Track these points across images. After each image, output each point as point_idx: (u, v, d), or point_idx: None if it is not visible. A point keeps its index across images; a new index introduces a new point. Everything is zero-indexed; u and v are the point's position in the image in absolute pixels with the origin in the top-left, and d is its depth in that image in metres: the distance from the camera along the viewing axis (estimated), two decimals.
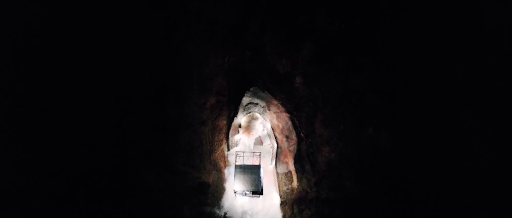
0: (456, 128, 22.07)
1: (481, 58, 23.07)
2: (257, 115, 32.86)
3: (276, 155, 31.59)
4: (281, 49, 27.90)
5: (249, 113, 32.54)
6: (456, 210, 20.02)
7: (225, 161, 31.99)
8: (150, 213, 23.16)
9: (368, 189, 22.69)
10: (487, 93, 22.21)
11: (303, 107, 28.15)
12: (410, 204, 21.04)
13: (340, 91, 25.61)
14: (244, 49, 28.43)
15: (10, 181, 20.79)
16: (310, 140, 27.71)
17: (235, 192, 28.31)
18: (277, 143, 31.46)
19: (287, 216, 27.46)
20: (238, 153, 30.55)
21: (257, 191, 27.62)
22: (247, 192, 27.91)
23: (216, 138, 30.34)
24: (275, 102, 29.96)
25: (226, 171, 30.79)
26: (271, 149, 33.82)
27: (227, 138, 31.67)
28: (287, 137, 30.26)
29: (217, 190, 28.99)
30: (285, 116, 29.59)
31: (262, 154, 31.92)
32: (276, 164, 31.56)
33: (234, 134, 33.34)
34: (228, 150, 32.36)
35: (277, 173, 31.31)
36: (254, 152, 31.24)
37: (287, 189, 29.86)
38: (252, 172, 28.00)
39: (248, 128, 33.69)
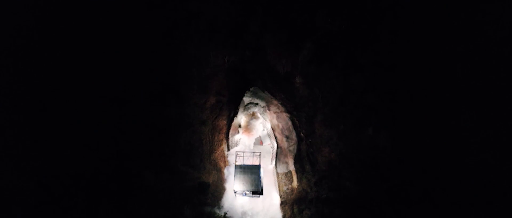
0: (456, 128, 22.08)
1: (481, 58, 23.08)
2: (258, 114, 32.84)
3: (276, 155, 31.58)
4: (281, 49, 27.90)
5: (250, 112, 32.52)
6: (456, 210, 20.02)
7: (225, 161, 31.99)
8: (150, 213, 23.17)
9: (368, 189, 22.69)
10: (487, 93, 22.22)
11: (303, 107, 28.15)
12: (410, 204, 21.05)
13: (340, 91, 25.61)
14: (244, 49, 28.43)
15: (11, 181, 20.80)
16: (310, 140, 27.71)
17: (235, 192, 28.32)
18: (277, 143, 31.45)
19: (287, 216, 27.45)
20: (238, 153, 30.54)
21: (257, 191, 27.61)
22: (247, 192, 27.91)
23: (216, 138, 30.34)
24: (275, 102, 29.96)
25: (225, 171, 30.79)
26: (271, 149, 33.82)
27: (227, 138, 31.66)
28: (287, 137, 30.26)
29: (217, 190, 28.99)
30: (285, 116, 29.58)
31: (262, 154, 31.90)
32: (276, 164, 31.55)
33: (234, 134, 33.34)
34: (228, 150, 32.35)
35: (277, 173, 31.30)
36: (254, 152, 31.22)
37: (287, 189, 29.86)
38: (252, 172, 27.99)
39: (248, 128, 33.68)
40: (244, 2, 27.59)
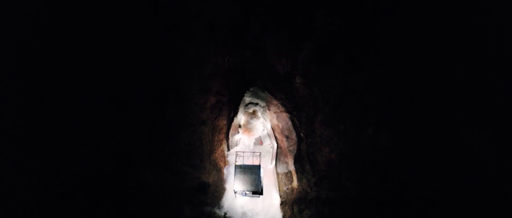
0: (456, 128, 22.09)
1: (481, 59, 23.09)
2: (258, 113, 32.77)
3: (276, 155, 31.58)
4: (281, 49, 27.90)
5: (250, 110, 32.47)
6: (456, 210, 20.01)
7: (225, 161, 31.99)
8: (150, 213, 23.16)
9: (368, 189, 22.68)
10: (487, 93, 22.22)
11: (303, 107, 28.14)
12: (410, 204, 21.04)
13: (340, 91, 25.61)
14: (244, 49, 28.43)
15: (11, 181, 20.79)
16: (310, 140, 27.71)
17: (235, 192, 28.31)
18: (277, 143, 31.45)
19: (287, 216, 27.45)
20: (238, 153, 30.53)
21: (257, 191, 27.62)
22: (247, 192, 27.91)
23: (216, 138, 30.34)
24: (275, 102, 29.95)
25: (225, 171, 30.80)
26: (271, 149, 33.81)
27: (227, 138, 31.67)
28: (287, 137, 30.25)
29: (217, 190, 28.99)
30: (285, 116, 29.58)
31: (262, 154, 31.90)
32: (276, 164, 31.55)
33: (234, 134, 33.34)
34: (228, 150, 32.35)
35: (277, 173, 31.30)
36: (254, 152, 31.22)
37: (287, 189, 29.86)
38: (252, 172, 28.00)
39: (248, 128, 33.67)
40: (244, 2, 27.59)
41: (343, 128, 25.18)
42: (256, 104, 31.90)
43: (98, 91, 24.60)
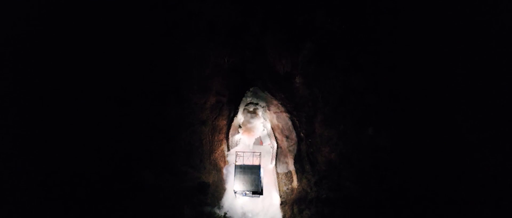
0: (456, 128, 22.09)
1: (481, 59, 23.10)
2: (259, 111, 32.64)
3: (276, 155, 31.56)
4: (281, 49, 27.91)
5: (251, 109, 32.39)
6: (456, 210, 20.02)
7: (225, 161, 31.99)
8: (150, 213, 23.16)
9: (368, 189, 22.68)
10: (487, 93, 22.24)
11: (303, 107, 28.14)
12: (410, 204, 21.04)
13: (340, 91, 25.61)
14: (244, 49, 28.43)
15: (11, 181, 20.79)
16: (310, 140, 27.71)
17: (235, 192, 28.31)
18: (277, 143, 31.44)
19: (287, 216, 27.44)
20: (238, 153, 30.53)
21: (257, 191, 27.60)
22: (247, 192, 27.90)
23: (216, 138, 30.33)
24: (275, 102, 29.95)
25: (224, 170, 30.79)
26: (271, 149, 33.79)
27: (227, 138, 31.65)
28: (287, 137, 30.25)
29: (217, 190, 28.98)
30: (285, 116, 29.58)
31: (262, 154, 31.88)
32: (276, 164, 31.54)
33: (234, 134, 33.32)
34: (228, 150, 32.34)
35: (277, 173, 31.29)
36: (254, 152, 31.21)
37: (287, 189, 29.85)
38: (252, 172, 27.99)
39: (248, 128, 33.65)
40: (244, 2, 27.59)
41: (343, 128, 25.18)
42: (256, 104, 31.88)
43: (98, 91, 24.61)
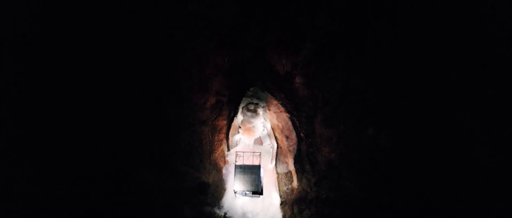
0: (456, 128, 22.09)
1: (481, 58, 23.10)
2: (259, 110, 32.59)
3: (276, 155, 31.57)
4: (281, 49, 27.89)
5: (251, 108, 32.37)
6: (456, 210, 20.02)
7: (224, 161, 31.99)
8: (150, 213, 23.16)
9: (368, 189, 22.69)
10: (487, 93, 22.24)
11: (303, 107, 28.14)
12: (410, 204, 21.05)
13: (340, 91, 25.61)
14: (244, 49, 28.41)
15: (10, 181, 20.79)
16: (310, 140, 27.71)
17: (235, 192, 28.31)
18: (277, 143, 31.44)
19: (287, 216, 27.45)
20: (238, 153, 30.53)
21: (257, 191, 27.60)
22: (247, 192, 27.90)
23: (216, 138, 30.33)
24: (275, 102, 29.95)
25: (224, 171, 30.79)
26: (271, 149, 33.79)
27: (227, 138, 31.65)
28: (287, 137, 30.25)
29: (217, 190, 28.99)
30: (285, 116, 29.57)
31: (262, 154, 31.88)
32: (276, 164, 31.54)
33: (234, 134, 33.32)
34: (228, 150, 32.34)
35: (277, 173, 31.30)
36: (254, 152, 31.20)
37: (287, 189, 29.86)
38: (252, 172, 27.99)
39: (248, 128, 33.65)
40: (244, 2, 27.58)
41: (343, 128, 25.18)
42: (256, 104, 31.89)
43: (98, 91, 24.60)
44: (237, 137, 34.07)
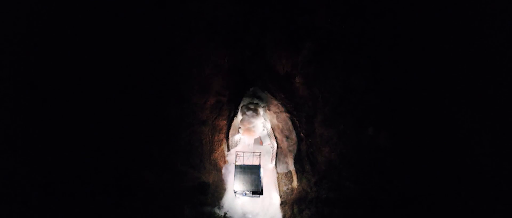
0: (456, 128, 22.09)
1: (481, 58, 23.09)
2: (259, 110, 32.55)
3: (276, 155, 31.56)
4: (281, 49, 27.89)
5: (252, 107, 32.34)
6: (456, 210, 20.02)
7: (224, 161, 31.99)
8: (150, 213, 23.17)
9: (368, 189, 22.69)
10: (487, 93, 22.23)
11: (303, 107, 28.14)
12: (410, 204, 21.05)
13: (340, 91, 25.62)
14: (244, 49, 28.41)
15: (11, 181, 20.80)
16: (310, 140, 27.71)
17: (235, 192, 28.31)
18: (277, 143, 31.44)
19: (287, 216, 27.45)
20: (238, 153, 30.53)
21: (257, 191, 27.60)
22: (247, 192, 27.90)
23: (216, 138, 30.32)
24: (275, 102, 29.95)
25: (224, 170, 30.78)
26: (271, 149, 33.79)
27: (227, 138, 31.64)
28: (287, 137, 30.25)
29: (217, 190, 28.99)
30: (285, 116, 29.58)
31: (262, 154, 31.88)
32: (276, 164, 31.54)
33: (234, 134, 33.31)
34: (228, 150, 32.34)
35: (277, 173, 31.29)
36: (254, 152, 31.20)
37: (287, 189, 29.85)
38: (252, 172, 27.99)
39: (248, 127, 33.65)
40: (244, 2, 27.59)
41: (343, 128, 25.18)
42: (256, 104, 31.88)
43: (98, 91, 24.61)
44: (237, 137, 34.07)
